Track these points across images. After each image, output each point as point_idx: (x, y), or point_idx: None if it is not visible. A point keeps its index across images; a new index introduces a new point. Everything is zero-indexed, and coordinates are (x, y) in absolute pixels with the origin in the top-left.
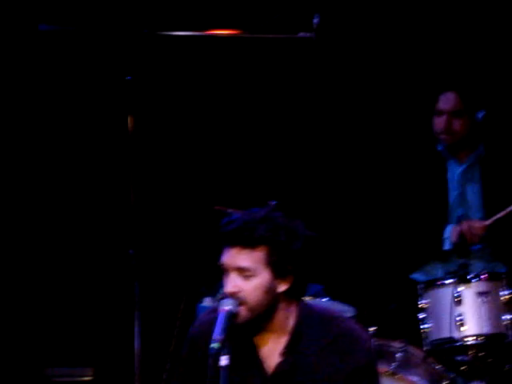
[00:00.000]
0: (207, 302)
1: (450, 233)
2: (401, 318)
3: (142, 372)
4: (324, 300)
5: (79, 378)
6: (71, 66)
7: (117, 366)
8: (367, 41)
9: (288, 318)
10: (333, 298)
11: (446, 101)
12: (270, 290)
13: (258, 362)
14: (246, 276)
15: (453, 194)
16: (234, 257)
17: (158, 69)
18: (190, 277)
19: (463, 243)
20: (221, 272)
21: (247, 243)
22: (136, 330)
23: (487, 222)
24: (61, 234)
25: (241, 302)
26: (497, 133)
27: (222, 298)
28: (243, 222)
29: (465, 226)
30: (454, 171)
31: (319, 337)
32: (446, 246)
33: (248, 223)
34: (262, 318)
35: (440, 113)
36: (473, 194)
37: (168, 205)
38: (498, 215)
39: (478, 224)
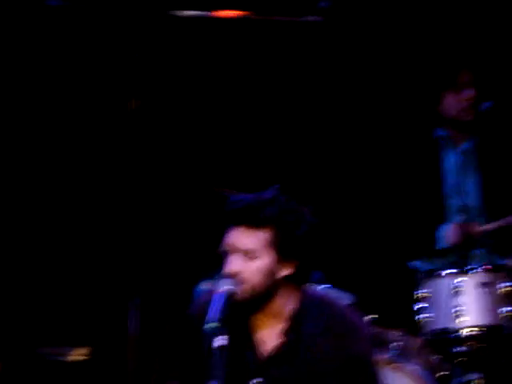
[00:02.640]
0: (205, 285)
1: (449, 233)
2: (399, 307)
3: (137, 353)
4: (323, 287)
5: (74, 358)
6: (78, 42)
7: (112, 347)
8: (374, 24)
9: (288, 303)
10: (332, 285)
11: (469, 75)
12: (271, 273)
13: (253, 345)
14: (249, 257)
15: (449, 183)
16: (239, 237)
17: (165, 48)
18: (188, 260)
19: (465, 241)
20: (219, 256)
21: (253, 223)
22: (132, 311)
23: (487, 228)
24: (60, 224)
25: (240, 283)
26: (497, 123)
27: (221, 279)
28: (250, 202)
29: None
30: (451, 158)
31: (317, 323)
32: (442, 244)
33: (255, 203)
34: (260, 300)
35: (463, 86)
36: (470, 182)
37: (168, 187)
38: (499, 223)
39: (477, 229)
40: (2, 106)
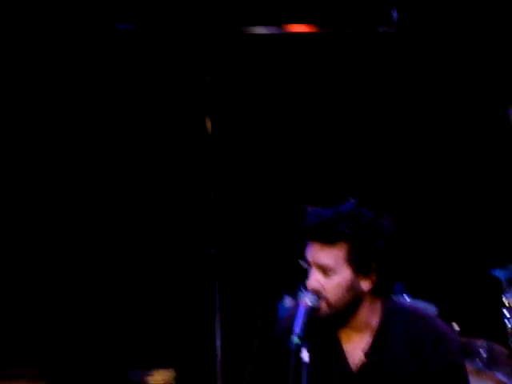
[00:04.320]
0: (288, 301)
1: None
2: (484, 315)
3: (223, 372)
4: (406, 298)
5: (161, 381)
6: (148, 66)
7: (198, 367)
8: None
9: (372, 315)
10: (414, 296)
11: None
12: (351, 288)
13: (342, 358)
14: (327, 272)
15: None
16: (315, 253)
17: (236, 67)
18: (270, 276)
19: None
20: (301, 272)
21: (327, 240)
22: (217, 330)
23: None
24: (143, 235)
25: (322, 298)
26: None
27: (303, 293)
28: (325, 218)
29: None
30: None
31: (405, 335)
32: None
33: (329, 219)
34: (344, 314)
35: None
36: None
37: (248, 204)
38: None
39: None
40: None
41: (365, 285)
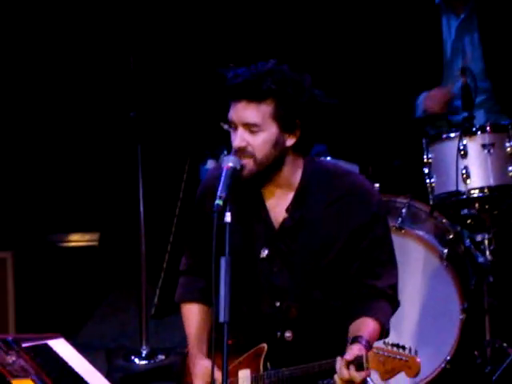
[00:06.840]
0: (210, 163)
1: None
2: (405, 173)
3: (147, 234)
4: (329, 159)
5: (86, 243)
6: None
7: (123, 230)
8: None
9: (295, 172)
10: (336, 157)
11: None
12: (277, 144)
13: (265, 215)
14: (253, 131)
15: (450, 48)
16: (242, 111)
17: None
18: (192, 139)
19: (467, 97)
20: (223, 134)
21: (254, 97)
22: (140, 193)
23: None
24: (66, 102)
25: (248, 156)
26: None
27: (226, 155)
28: (249, 75)
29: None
30: (452, 25)
31: (326, 192)
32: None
33: (254, 76)
34: (268, 171)
35: None
36: (471, 44)
37: (169, 66)
38: None
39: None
40: None
41: (289, 141)
